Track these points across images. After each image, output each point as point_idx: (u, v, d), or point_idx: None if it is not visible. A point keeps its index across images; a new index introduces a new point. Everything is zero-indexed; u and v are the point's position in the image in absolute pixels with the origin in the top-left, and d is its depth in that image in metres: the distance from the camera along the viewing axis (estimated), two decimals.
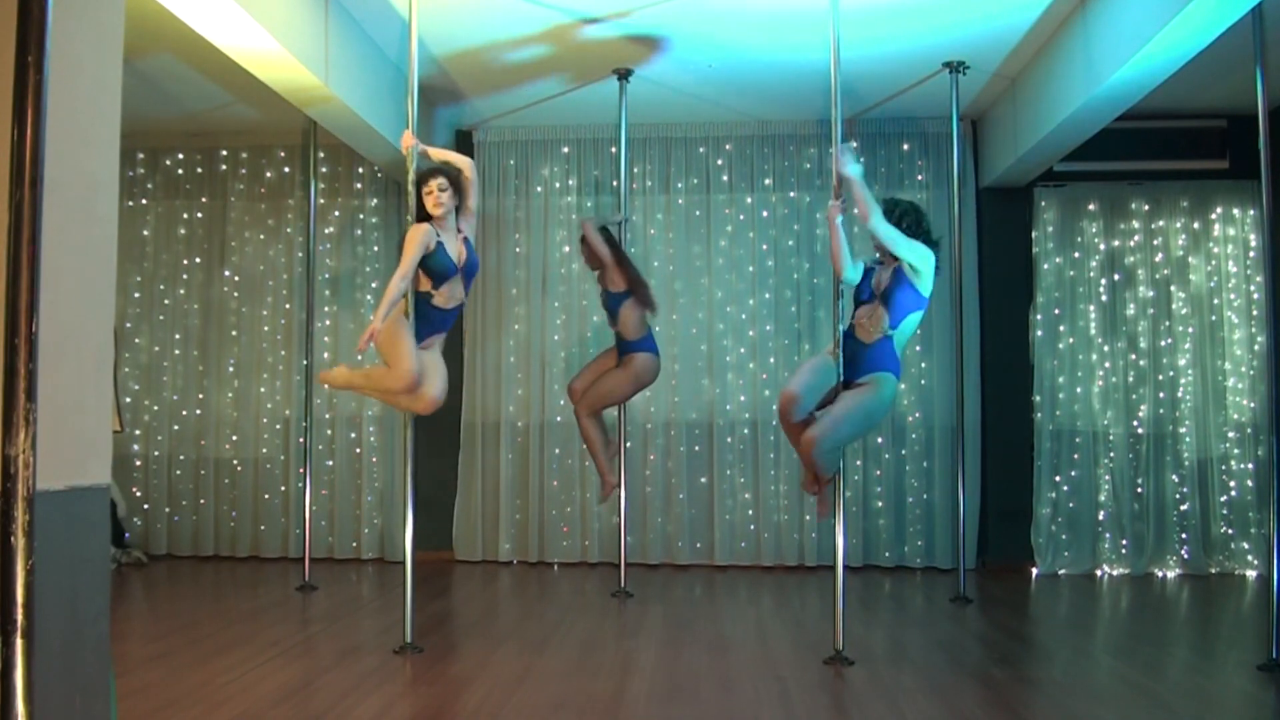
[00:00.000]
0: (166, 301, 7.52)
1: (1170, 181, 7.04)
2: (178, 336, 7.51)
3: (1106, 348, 7.02)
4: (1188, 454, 6.90)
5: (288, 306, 7.44)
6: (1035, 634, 5.33)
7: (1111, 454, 6.95)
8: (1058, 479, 6.95)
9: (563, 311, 7.31)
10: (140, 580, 6.59)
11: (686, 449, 7.19)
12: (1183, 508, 6.87)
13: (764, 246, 7.23)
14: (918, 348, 7.08)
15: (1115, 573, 6.83)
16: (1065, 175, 6.99)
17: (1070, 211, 7.09)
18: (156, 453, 7.46)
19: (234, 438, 7.44)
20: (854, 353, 4.52)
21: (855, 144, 7.04)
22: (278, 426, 7.42)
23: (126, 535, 7.17)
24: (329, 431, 7.36)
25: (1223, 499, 6.86)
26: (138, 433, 7.44)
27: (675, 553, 7.14)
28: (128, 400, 7.37)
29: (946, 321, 6.92)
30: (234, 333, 7.49)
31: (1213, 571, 6.77)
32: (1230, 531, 6.83)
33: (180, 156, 7.59)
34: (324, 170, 7.35)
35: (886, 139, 7.22)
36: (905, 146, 7.21)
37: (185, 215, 7.57)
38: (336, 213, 7.46)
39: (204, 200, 7.58)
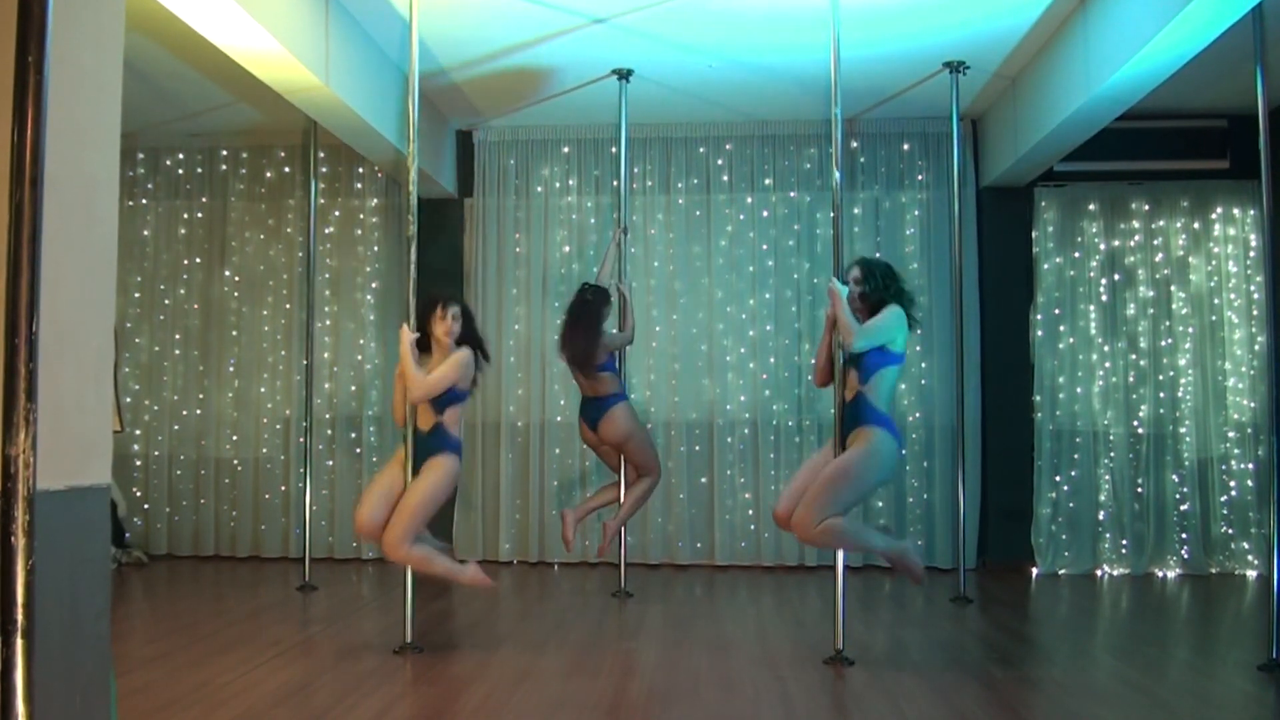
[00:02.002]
0: (167, 301, 7.52)
1: (1170, 181, 7.03)
2: (178, 336, 7.51)
3: (1107, 348, 7.02)
4: (1188, 454, 6.90)
5: (288, 306, 7.44)
6: (1035, 634, 5.33)
7: (1112, 454, 6.94)
8: (1058, 479, 6.95)
9: (563, 312, 7.29)
10: (140, 580, 6.60)
11: (687, 449, 7.19)
12: (1183, 508, 6.86)
13: (764, 246, 7.23)
14: (918, 347, 7.08)
15: (1115, 573, 6.83)
16: (1065, 175, 6.99)
17: (1070, 211, 7.09)
18: (157, 453, 7.46)
19: (234, 438, 7.44)
20: (843, 411, 4.47)
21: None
22: (278, 426, 7.41)
23: (127, 535, 7.17)
24: (329, 431, 7.36)
25: (1223, 499, 6.86)
26: (138, 432, 7.44)
27: (675, 553, 7.14)
28: (128, 400, 7.36)
29: (947, 321, 6.92)
30: (234, 333, 7.49)
31: (1213, 571, 6.77)
32: (1230, 531, 6.83)
33: (181, 156, 7.58)
34: (324, 170, 7.35)
35: (887, 139, 7.22)
36: (905, 146, 7.21)
37: (185, 215, 7.57)
38: (337, 213, 7.46)
39: (204, 200, 7.58)
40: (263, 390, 7.44)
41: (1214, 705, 3.89)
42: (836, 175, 4.65)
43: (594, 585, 6.40)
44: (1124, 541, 6.87)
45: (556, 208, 7.39)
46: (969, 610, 5.61)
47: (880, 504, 7.04)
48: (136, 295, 7.50)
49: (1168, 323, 6.99)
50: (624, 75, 6.20)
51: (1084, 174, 6.99)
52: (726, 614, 5.55)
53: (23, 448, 1.83)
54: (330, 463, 7.35)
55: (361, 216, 7.48)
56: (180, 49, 5.63)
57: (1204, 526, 6.84)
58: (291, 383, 7.37)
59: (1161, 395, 6.95)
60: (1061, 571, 6.82)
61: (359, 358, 7.41)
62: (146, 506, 7.43)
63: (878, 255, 4.54)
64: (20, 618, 1.81)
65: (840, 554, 4.51)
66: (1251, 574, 6.69)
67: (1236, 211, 6.98)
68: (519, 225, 7.39)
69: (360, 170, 7.46)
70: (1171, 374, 6.97)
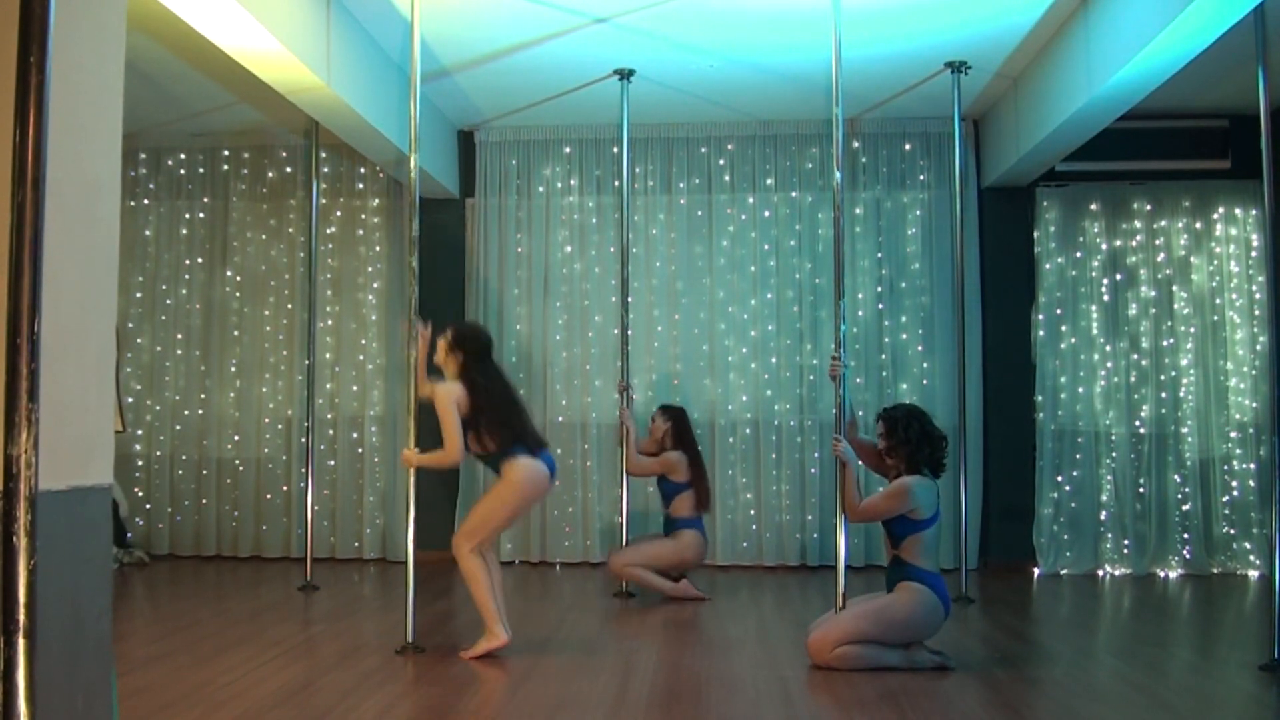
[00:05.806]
0: (169, 301, 7.52)
1: (1172, 181, 7.03)
2: (180, 336, 7.51)
3: (1108, 347, 7.02)
4: (1189, 454, 6.90)
5: (290, 306, 7.45)
6: (1037, 634, 5.33)
7: (1113, 454, 6.94)
8: (1059, 479, 6.94)
9: (564, 312, 7.31)
10: (142, 580, 6.60)
11: None
12: (1185, 508, 6.86)
13: (766, 246, 7.23)
14: (919, 347, 7.09)
15: (1117, 573, 6.83)
16: (1067, 175, 6.99)
17: (1072, 211, 7.09)
18: (158, 453, 7.46)
19: (236, 438, 7.44)
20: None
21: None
22: (280, 426, 7.42)
23: (129, 535, 7.17)
24: (331, 431, 7.37)
25: (1225, 499, 6.86)
26: (140, 433, 7.44)
27: None
28: (130, 400, 7.37)
29: (948, 321, 6.92)
30: (236, 333, 7.49)
31: (1215, 571, 6.76)
32: (1232, 531, 6.83)
33: (182, 156, 7.59)
34: (326, 170, 7.35)
35: (888, 139, 7.22)
36: (907, 146, 7.21)
37: (187, 215, 7.58)
38: (338, 213, 7.46)
39: (206, 200, 7.58)
40: (264, 390, 7.44)
41: (1215, 705, 3.89)
42: (838, 175, 4.65)
43: (596, 585, 6.40)
44: (1126, 542, 6.86)
45: (558, 208, 7.39)
46: (971, 610, 5.61)
47: None
48: (138, 295, 7.51)
49: (1169, 323, 6.99)
50: (625, 75, 6.20)
51: (1085, 174, 6.99)
52: (728, 614, 5.54)
53: (25, 448, 1.83)
54: (332, 463, 7.35)
55: (363, 216, 7.48)
56: (182, 49, 5.63)
57: (1206, 526, 6.84)
58: (293, 383, 7.38)
59: (1163, 395, 6.95)
60: (1063, 572, 6.81)
61: (361, 358, 7.42)
62: (148, 506, 7.43)
63: (904, 403, 4.48)
64: (22, 618, 1.81)
65: (842, 554, 4.53)
66: (1253, 574, 6.68)
67: (1238, 211, 6.98)
68: (520, 225, 7.39)
69: (362, 170, 7.46)
70: (1173, 374, 6.96)
